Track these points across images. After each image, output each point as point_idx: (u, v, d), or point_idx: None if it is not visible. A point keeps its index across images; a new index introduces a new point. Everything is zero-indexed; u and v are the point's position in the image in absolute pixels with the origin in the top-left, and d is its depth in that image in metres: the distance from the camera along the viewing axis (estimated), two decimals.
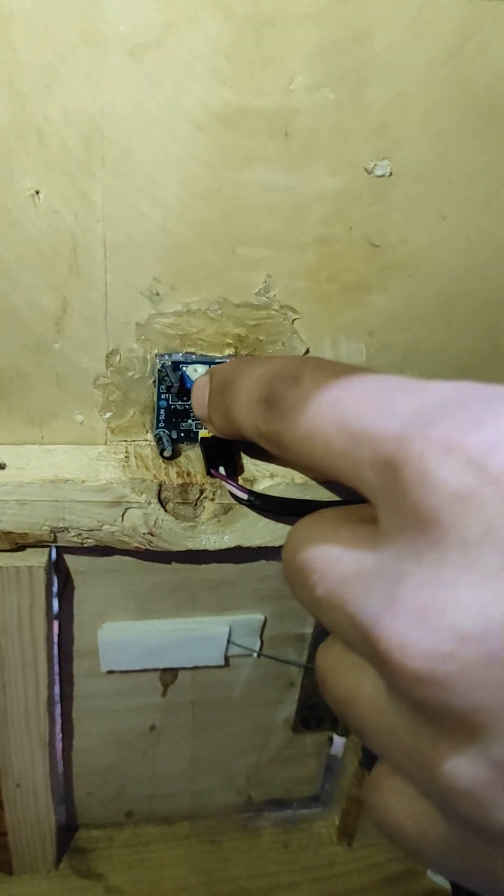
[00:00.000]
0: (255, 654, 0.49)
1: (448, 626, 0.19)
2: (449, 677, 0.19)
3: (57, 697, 0.48)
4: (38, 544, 0.39)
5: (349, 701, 0.25)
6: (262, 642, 0.49)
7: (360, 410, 0.23)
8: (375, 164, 0.34)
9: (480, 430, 0.19)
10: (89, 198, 0.33)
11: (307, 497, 0.37)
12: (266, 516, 0.38)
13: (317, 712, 0.53)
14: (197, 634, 0.47)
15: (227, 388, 0.32)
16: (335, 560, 0.23)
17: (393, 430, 0.21)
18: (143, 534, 0.39)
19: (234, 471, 0.38)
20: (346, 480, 0.24)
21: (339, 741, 0.57)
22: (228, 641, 0.47)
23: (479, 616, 0.18)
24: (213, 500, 0.38)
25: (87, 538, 0.38)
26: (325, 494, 0.37)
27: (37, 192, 0.32)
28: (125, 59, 0.30)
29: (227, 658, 0.49)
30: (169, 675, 0.49)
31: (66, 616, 0.45)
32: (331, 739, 0.56)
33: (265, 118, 0.32)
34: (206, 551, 0.40)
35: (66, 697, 0.49)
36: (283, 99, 0.32)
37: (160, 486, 0.37)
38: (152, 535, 0.39)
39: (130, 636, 0.46)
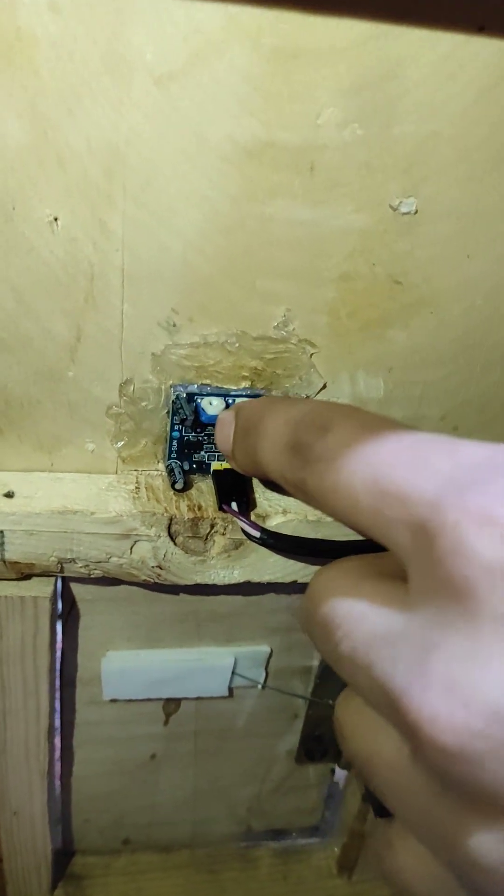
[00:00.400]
0: (260, 686, 0.48)
1: (480, 703, 0.18)
2: (480, 755, 0.18)
3: (58, 725, 0.47)
4: (45, 574, 0.38)
5: (368, 758, 0.24)
6: (267, 674, 0.48)
7: (392, 468, 0.22)
8: (401, 202, 0.33)
9: None
10: (109, 227, 0.32)
11: (321, 535, 0.36)
12: (279, 554, 0.37)
13: (321, 744, 0.52)
14: (201, 665, 0.46)
15: (252, 429, 0.31)
16: (360, 617, 0.23)
17: (427, 494, 0.20)
18: (152, 567, 0.38)
19: (247, 506, 0.37)
20: (374, 536, 0.23)
21: (340, 772, 0.56)
22: (233, 673, 0.46)
23: None
24: (223, 534, 0.38)
25: (95, 569, 0.38)
26: (339, 532, 0.36)
27: (55, 219, 0.32)
28: (151, 88, 0.30)
29: (230, 689, 0.48)
30: (172, 705, 0.49)
31: (69, 644, 0.44)
32: (333, 771, 0.56)
33: (291, 152, 0.31)
34: (214, 585, 0.39)
35: (67, 724, 0.48)
36: (310, 133, 0.31)
37: (171, 519, 0.37)
38: (161, 568, 0.38)
39: (134, 665, 0.45)
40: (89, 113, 0.30)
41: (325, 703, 0.50)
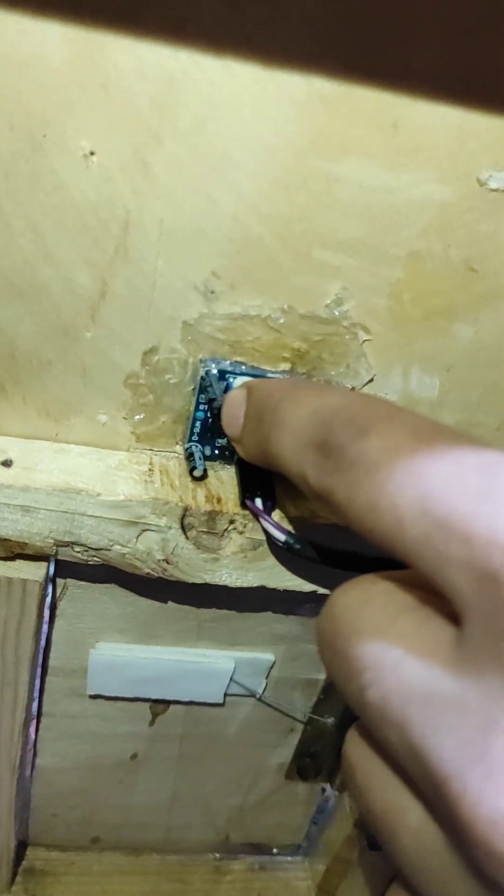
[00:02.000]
0: (257, 697, 0.44)
1: None
2: None
3: (34, 714, 0.43)
4: (37, 555, 0.34)
5: (385, 817, 0.20)
6: (266, 684, 0.44)
7: (451, 494, 0.18)
8: (491, 176, 0.28)
9: None
10: (152, 169, 0.28)
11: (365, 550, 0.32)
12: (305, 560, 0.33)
13: (315, 763, 0.48)
14: (198, 668, 0.42)
15: (268, 415, 0.27)
16: (395, 664, 0.19)
17: (501, 536, 0.16)
18: (158, 560, 0.34)
19: (273, 502, 0.33)
20: (420, 569, 0.19)
21: (332, 792, 0.52)
22: (231, 679, 0.42)
23: None
24: (242, 532, 0.33)
25: (94, 556, 0.34)
26: None
27: (91, 153, 0.27)
28: (221, 6, 0.25)
29: (225, 695, 0.44)
30: (160, 705, 0.45)
31: (56, 630, 0.40)
32: (323, 789, 0.52)
33: (374, 104, 0.27)
34: (225, 587, 0.35)
35: (44, 715, 0.44)
36: (399, 83, 0.26)
37: (185, 510, 0.33)
38: (168, 562, 0.34)
39: (124, 660, 0.41)
40: (146, 30, 0.25)
41: (325, 723, 0.46)
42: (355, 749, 0.22)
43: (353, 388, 0.34)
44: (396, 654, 0.19)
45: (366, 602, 0.21)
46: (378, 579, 0.21)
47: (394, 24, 0.25)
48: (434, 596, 0.20)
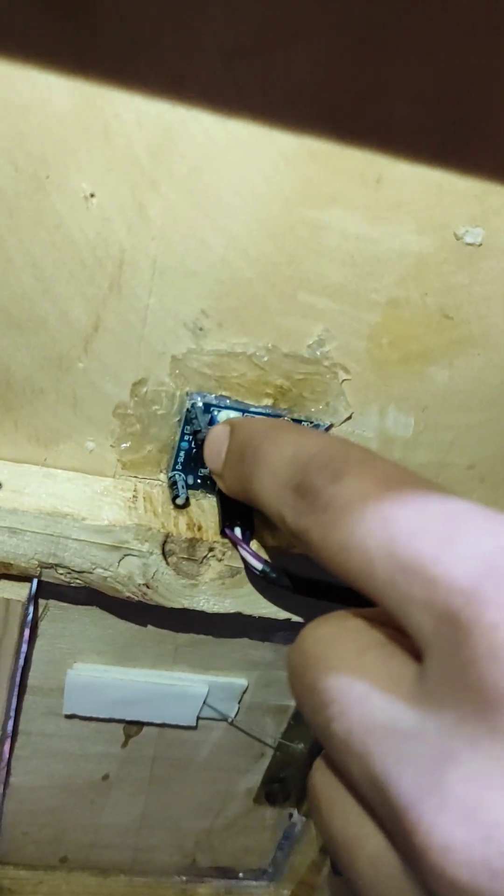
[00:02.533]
0: (229, 722, 0.45)
1: None
2: None
3: (10, 732, 0.44)
4: (21, 576, 0.35)
5: (345, 844, 0.21)
6: (238, 709, 0.45)
7: (416, 539, 0.19)
8: (467, 231, 0.30)
9: None
10: (147, 212, 0.29)
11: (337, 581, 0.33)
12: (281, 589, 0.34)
13: (284, 788, 0.49)
14: (172, 691, 0.43)
15: (249, 453, 0.28)
16: (360, 697, 0.20)
17: (460, 579, 0.18)
18: (139, 584, 0.35)
19: (252, 531, 0.34)
20: (386, 608, 0.20)
21: (299, 817, 0.53)
22: (204, 703, 0.43)
23: None
24: (220, 560, 0.35)
25: (76, 579, 0.35)
26: None
27: (91, 195, 0.29)
28: (217, 66, 0.27)
29: (198, 719, 0.45)
30: (134, 727, 0.45)
31: (35, 649, 0.41)
32: (291, 815, 0.53)
33: (359, 160, 0.28)
34: (203, 612, 0.36)
35: (19, 733, 0.45)
36: (384, 142, 0.28)
37: (166, 537, 0.34)
38: (148, 587, 0.35)
39: (101, 681, 0.42)
40: (146, 84, 0.27)
41: (295, 749, 0.47)
42: (321, 778, 0.23)
43: (331, 426, 0.35)
44: (362, 689, 0.20)
45: (336, 637, 0.22)
46: (349, 616, 0.23)
47: (380, 87, 0.27)
48: (400, 633, 0.21)
